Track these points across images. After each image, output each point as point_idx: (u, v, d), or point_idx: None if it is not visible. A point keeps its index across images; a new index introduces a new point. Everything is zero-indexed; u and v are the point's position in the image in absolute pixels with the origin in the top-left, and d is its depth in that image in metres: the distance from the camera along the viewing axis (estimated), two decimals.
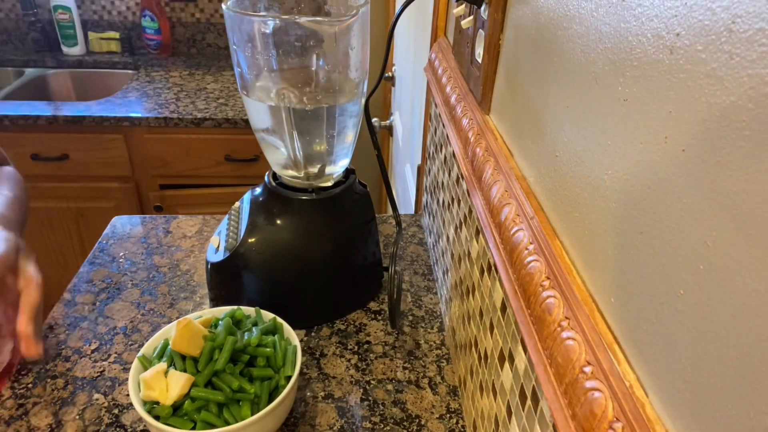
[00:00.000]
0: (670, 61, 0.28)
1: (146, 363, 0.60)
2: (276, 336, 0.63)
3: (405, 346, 0.76)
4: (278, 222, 0.74)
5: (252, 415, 0.55)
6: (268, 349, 0.60)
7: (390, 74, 1.79)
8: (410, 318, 0.81)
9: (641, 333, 0.31)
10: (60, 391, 0.67)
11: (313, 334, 0.77)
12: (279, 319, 0.66)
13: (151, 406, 0.56)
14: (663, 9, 0.29)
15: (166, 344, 0.62)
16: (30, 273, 0.62)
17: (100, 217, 1.70)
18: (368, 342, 0.77)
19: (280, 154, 0.75)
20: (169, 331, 0.64)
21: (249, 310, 0.67)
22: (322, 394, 0.69)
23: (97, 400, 0.66)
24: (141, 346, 0.74)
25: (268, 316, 0.67)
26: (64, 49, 1.95)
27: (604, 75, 0.35)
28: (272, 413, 0.57)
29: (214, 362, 0.58)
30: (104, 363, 0.71)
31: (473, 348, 0.62)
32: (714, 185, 0.25)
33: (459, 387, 0.70)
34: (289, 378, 0.60)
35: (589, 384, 0.32)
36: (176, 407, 0.57)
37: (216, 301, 0.79)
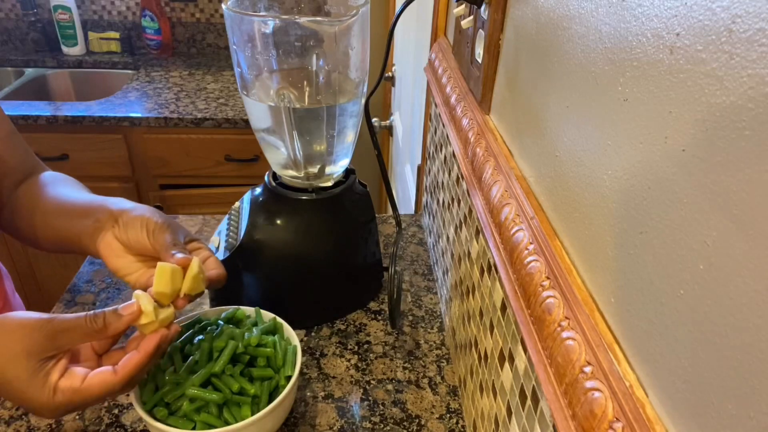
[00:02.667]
0: (670, 61, 0.28)
1: None
2: (276, 336, 0.63)
3: (405, 346, 0.76)
4: (278, 222, 0.74)
5: (252, 415, 0.55)
6: (268, 349, 0.60)
7: (390, 74, 1.79)
8: (410, 318, 0.81)
9: (641, 333, 0.31)
10: None
11: (313, 334, 0.77)
12: (279, 319, 0.66)
13: (152, 407, 0.56)
14: (663, 9, 0.29)
15: None
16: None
17: None
18: (368, 342, 0.77)
19: (280, 154, 0.75)
20: None
21: (249, 310, 0.67)
22: (322, 394, 0.69)
23: None
24: None
25: (268, 316, 0.67)
26: (64, 49, 1.95)
27: (604, 75, 0.35)
28: (272, 413, 0.57)
29: (213, 363, 0.58)
30: None
31: (473, 348, 0.62)
32: (714, 185, 0.25)
33: (459, 387, 0.70)
34: (289, 378, 0.60)
35: (589, 384, 0.32)
36: (173, 411, 0.56)
37: (216, 301, 0.79)
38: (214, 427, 0.55)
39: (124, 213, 0.58)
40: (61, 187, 0.66)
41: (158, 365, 0.60)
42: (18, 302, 0.77)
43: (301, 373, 0.71)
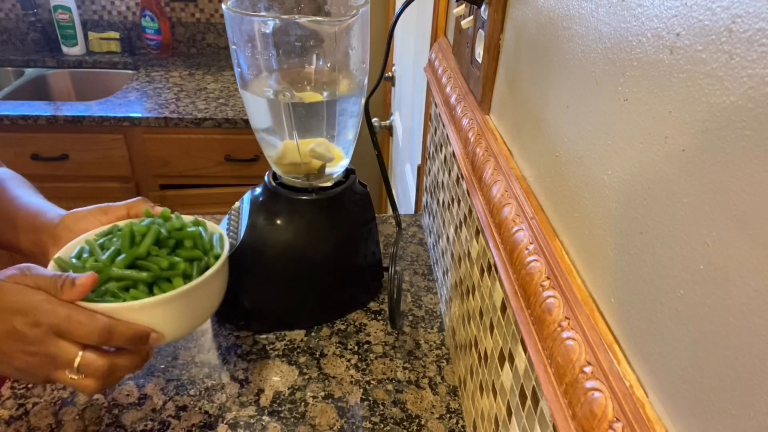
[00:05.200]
0: (670, 61, 0.28)
1: (63, 264, 0.56)
2: (199, 227, 0.61)
3: (405, 346, 0.76)
4: (278, 222, 0.74)
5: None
6: (194, 230, 0.58)
7: (390, 74, 1.79)
8: (410, 318, 0.81)
9: (641, 333, 0.31)
10: (60, 391, 0.67)
11: (313, 334, 0.77)
12: (201, 219, 0.63)
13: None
14: (663, 9, 0.29)
15: (82, 250, 0.58)
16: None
17: None
18: (368, 342, 0.77)
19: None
20: (89, 236, 0.60)
21: (167, 212, 0.63)
22: (322, 394, 0.69)
23: (97, 400, 0.66)
24: None
25: (189, 218, 0.64)
26: (64, 49, 1.95)
27: (604, 75, 0.35)
28: (206, 285, 0.54)
29: (136, 247, 0.54)
30: None
31: (473, 348, 0.62)
32: (714, 185, 0.25)
33: (459, 387, 0.70)
34: (219, 257, 0.58)
35: (589, 384, 0.32)
36: (99, 295, 0.53)
37: None
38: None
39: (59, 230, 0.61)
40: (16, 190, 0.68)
41: (77, 264, 0.56)
42: None
43: (301, 373, 0.71)
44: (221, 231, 0.62)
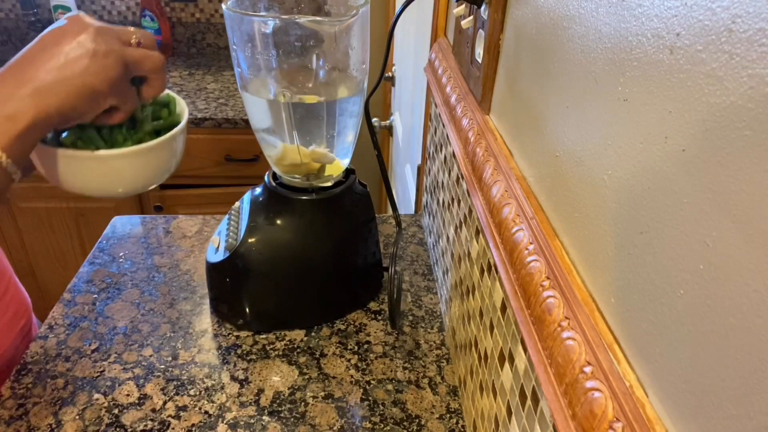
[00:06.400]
0: (670, 61, 0.28)
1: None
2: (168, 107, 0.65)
3: (405, 346, 0.76)
4: (278, 222, 0.74)
5: None
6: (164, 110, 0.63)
7: (390, 74, 1.79)
8: (410, 318, 0.81)
9: (641, 333, 0.31)
10: (60, 391, 0.67)
11: (313, 334, 0.77)
12: (172, 94, 0.67)
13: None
14: (663, 9, 0.29)
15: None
16: None
17: (100, 217, 1.70)
18: (368, 342, 0.77)
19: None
20: None
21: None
22: (322, 394, 0.69)
23: (97, 400, 0.66)
24: (141, 346, 0.74)
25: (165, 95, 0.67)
26: None
27: (604, 75, 0.35)
28: (164, 146, 0.61)
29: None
30: (104, 363, 0.71)
31: (473, 348, 0.62)
32: (714, 185, 0.25)
33: (459, 387, 0.70)
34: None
35: (589, 384, 0.32)
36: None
37: (216, 301, 0.79)
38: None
39: None
40: None
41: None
42: (17, 281, 0.78)
43: (301, 373, 0.71)
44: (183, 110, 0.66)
